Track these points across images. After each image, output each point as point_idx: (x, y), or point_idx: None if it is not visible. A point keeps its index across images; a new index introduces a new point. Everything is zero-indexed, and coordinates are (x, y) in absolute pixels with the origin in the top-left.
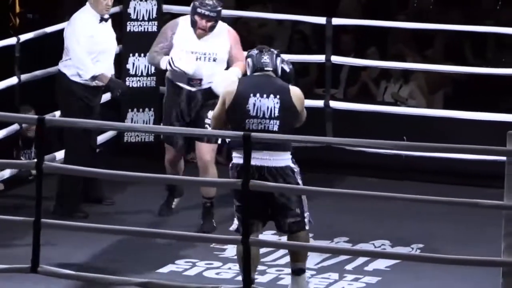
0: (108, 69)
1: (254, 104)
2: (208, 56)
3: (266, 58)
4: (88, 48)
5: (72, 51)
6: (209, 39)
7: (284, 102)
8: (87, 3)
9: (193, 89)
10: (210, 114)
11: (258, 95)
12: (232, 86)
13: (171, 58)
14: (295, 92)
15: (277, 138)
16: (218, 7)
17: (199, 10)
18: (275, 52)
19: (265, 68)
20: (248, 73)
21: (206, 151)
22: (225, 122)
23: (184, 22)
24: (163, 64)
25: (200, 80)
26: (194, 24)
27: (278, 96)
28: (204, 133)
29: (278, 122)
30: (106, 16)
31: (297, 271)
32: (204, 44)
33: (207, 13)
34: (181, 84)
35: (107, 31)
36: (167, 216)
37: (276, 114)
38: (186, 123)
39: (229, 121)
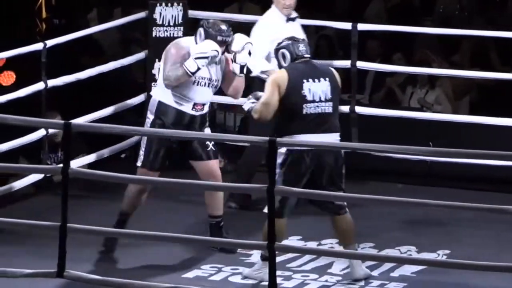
0: None
1: (309, 89)
2: (212, 83)
3: (302, 46)
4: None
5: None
6: (213, 66)
7: (333, 84)
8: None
9: (196, 113)
10: (207, 131)
11: (310, 80)
12: (282, 74)
13: (193, 55)
14: (336, 73)
15: (300, 143)
16: (231, 31)
17: (219, 37)
18: (305, 39)
19: (305, 55)
20: (285, 63)
21: (216, 167)
22: (274, 109)
23: (192, 45)
24: (190, 65)
25: (203, 105)
26: None
27: (327, 79)
28: (232, 139)
29: (331, 104)
30: (293, 15)
31: None
32: (211, 70)
33: (225, 39)
34: (183, 109)
35: (295, 31)
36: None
37: (329, 96)
38: (177, 146)
39: (283, 108)
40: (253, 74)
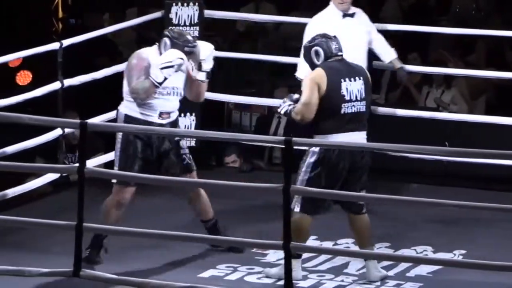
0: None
1: (347, 89)
2: (176, 91)
3: (335, 44)
4: None
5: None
6: (177, 73)
7: (366, 82)
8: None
9: (163, 121)
10: (183, 144)
11: (347, 79)
12: (320, 73)
13: (159, 64)
14: (367, 72)
15: (316, 143)
16: (195, 40)
17: (186, 48)
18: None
19: (338, 54)
20: (318, 62)
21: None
22: (315, 108)
23: (152, 55)
24: (157, 75)
25: (169, 113)
26: None
27: (361, 78)
28: (248, 139)
29: (365, 103)
30: (351, 11)
31: None
32: (173, 78)
33: (192, 50)
34: (150, 119)
35: (352, 28)
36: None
37: (364, 95)
38: (153, 158)
39: (321, 108)
40: (299, 76)
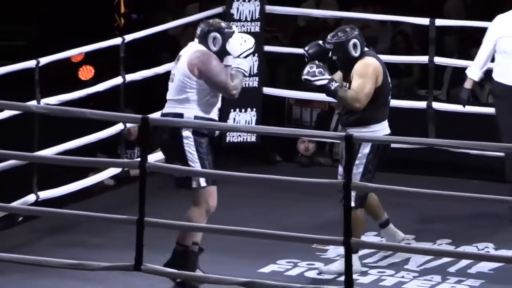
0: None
1: (388, 78)
2: None
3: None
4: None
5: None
6: None
7: None
8: None
9: (217, 118)
10: None
11: (386, 69)
12: (376, 63)
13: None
14: None
15: (376, 139)
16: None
17: (234, 29)
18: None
19: (365, 44)
20: (356, 54)
21: None
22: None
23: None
24: (244, 65)
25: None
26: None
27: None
28: (309, 134)
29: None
30: None
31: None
32: None
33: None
34: (214, 116)
35: None
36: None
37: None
38: (214, 154)
39: (376, 97)
40: (473, 76)
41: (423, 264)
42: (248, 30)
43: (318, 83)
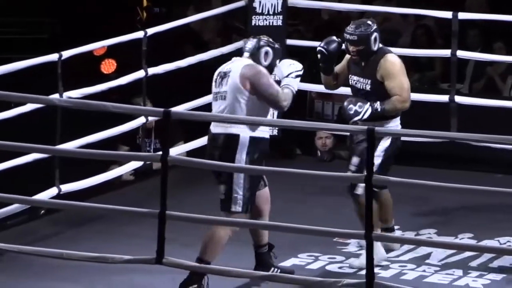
0: None
1: None
2: None
3: None
4: None
5: None
6: None
7: None
8: None
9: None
10: None
11: None
12: (399, 59)
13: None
14: None
15: (398, 132)
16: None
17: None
18: None
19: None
20: (375, 48)
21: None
22: None
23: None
24: (294, 85)
25: None
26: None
27: None
28: (331, 128)
29: None
30: None
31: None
32: None
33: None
34: (268, 135)
35: None
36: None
37: None
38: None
39: None
40: None
41: (445, 259)
42: (270, 24)
43: (365, 116)
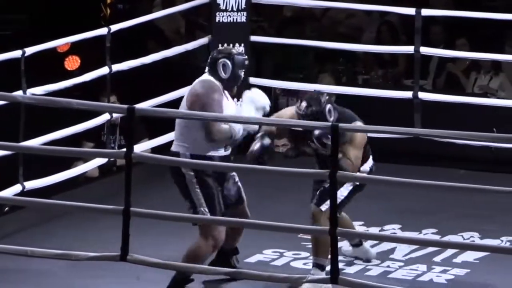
0: None
1: None
2: None
3: None
4: None
5: None
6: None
7: None
8: None
9: (227, 152)
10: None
11: None
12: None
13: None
14: None
15: (362, 129)
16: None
17: (246, 62)
18: None
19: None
20: (331, 118)
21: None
22: None
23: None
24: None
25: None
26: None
27: None
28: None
29: None
30: None
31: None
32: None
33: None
34: (213, 153)
35: None
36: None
37: None
38: (222, 189)
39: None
40: None
41: (409, 254)
42: (234, 20)
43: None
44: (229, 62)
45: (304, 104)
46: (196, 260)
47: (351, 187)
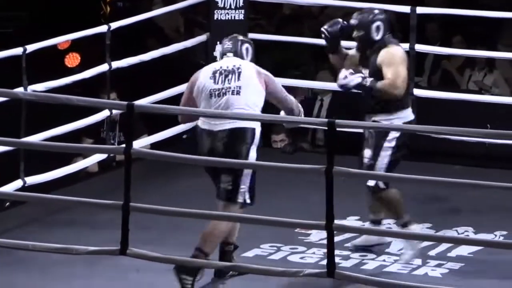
0: None
1: None
2: None
3: None
4: None
5: None
6: None
7: None
8: None
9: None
10: None
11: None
12: (401, 50)
13: None
14: None
15: (358, 125)
16: None
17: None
18: None
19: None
20: (376, 37)
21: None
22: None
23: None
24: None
25: None
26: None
27: None
28: (290, 120)
29: None
30: None
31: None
32: None
33: None
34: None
35: None
36: None
37: None
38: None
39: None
40: None
41: (404, 248)
42: (232, 18)
43: (352, 83)
44: (250, 48)
45: (359, 12)
46: (216, 238)
47: (390, 152)
